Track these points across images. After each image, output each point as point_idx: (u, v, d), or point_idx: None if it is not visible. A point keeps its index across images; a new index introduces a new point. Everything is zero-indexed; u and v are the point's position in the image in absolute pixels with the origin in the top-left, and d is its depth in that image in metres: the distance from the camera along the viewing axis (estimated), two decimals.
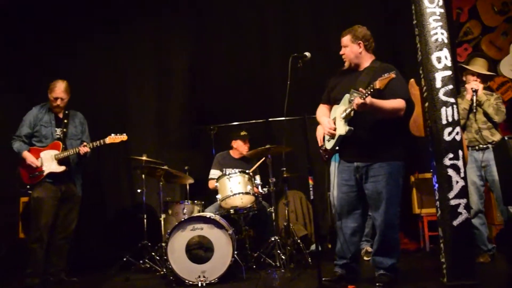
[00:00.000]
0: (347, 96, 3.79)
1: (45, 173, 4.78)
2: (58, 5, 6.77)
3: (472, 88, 4.71)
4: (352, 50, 3.91)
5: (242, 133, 5.96)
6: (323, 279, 3.72)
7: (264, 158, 5.50)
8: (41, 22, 6.76)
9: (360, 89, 3.57)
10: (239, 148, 5.97)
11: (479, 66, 4.96)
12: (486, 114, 4.73)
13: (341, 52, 3.97)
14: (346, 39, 3.93)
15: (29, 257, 4.75)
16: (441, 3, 3.72)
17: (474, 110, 4.69)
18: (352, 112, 3.65)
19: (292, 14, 6.98)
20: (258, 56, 7.07)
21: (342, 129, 3.76)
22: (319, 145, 4.17)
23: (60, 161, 4.83)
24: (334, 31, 6.58)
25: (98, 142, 4.91)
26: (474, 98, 4.68)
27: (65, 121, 5.02)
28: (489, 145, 4.71)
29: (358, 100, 3.52)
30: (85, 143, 4.92)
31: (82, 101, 6.55)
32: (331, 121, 3.90)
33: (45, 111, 4.98)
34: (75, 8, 6.84)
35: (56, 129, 4.96)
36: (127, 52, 7.02)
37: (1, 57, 6.23)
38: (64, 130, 4.99)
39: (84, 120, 5.22)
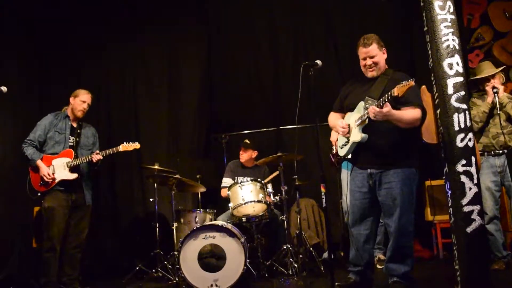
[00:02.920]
0: (361, 103, 3.79)
1: (56, 181, 4.80)
2: (74, 15, 6.88)
3: (492, 88, 4.57)
4: (382, 58, 3.88)
5: (244, 141, 5.99)
6: (336, 283, 3.71)
7: (277, 172, 5.48)
8: (57, 33, 6.86)
9: (383, 98, 3.56)
10: (240, 156, 6.02)
11: (486, 70, 4.80)
12: (508, 118, 4.63)
13: (370, 62, 3.86)
14: (374, 48, 3.84)
15: (43, 266, 4.77)
16: (452, 9, 3.70)
17: (499, 112, 4.56)
18: (367, 120, 3.65)
19: (303, 22, 7.01)
20: (270, 64, 7.10)
21: (357, 136, 3.76)
22: (334, 151, 4.17)
23: (72, 169, 4.86)
24: (345, 39, 6.63)
25: (111, 150, 4.94)
26: (496, 99, 4.55)
27: (79, 130, 5.07)
28: (505, 150, 4.64)
29: (374, 109, 3.51)
30: (97, 151, 4.95)
31: (95, 110, 6.66)
32: (344, 121, 3.91)
33: (61, 118, 5.03)
34: (91, 18, 6.94)
35: (70, 136, 5.00)
36: (140, 62, 7.08)
37: (22, 67, 6.32)
38: (77, 139, 5.03)
39: (96, 133, 5.27)
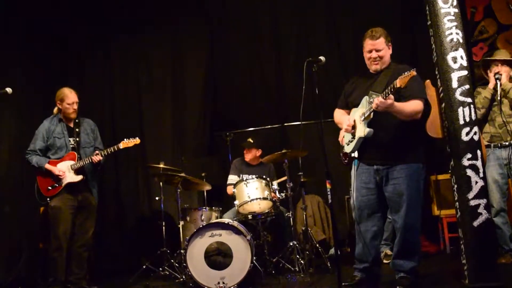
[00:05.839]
0: (365, 98, 3.76)
1: (63, 184, 4.80)
2: (78, 15, 6.90)
3: (495, 74, 4.53)
4: (387, 52, 3.85)
5: (247, 141, 5.98)
6: (343, 283, 3.70)
7: (285, 178, 5.47)
8: (59, 33, 6.86)
9: (386, 90, 3.52)
10: (245, 156, 6.02)
11: (499, 56, 4.75)
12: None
13: (375, 55, 3.82)
14: (381, 42, 3.80)
15: (50, 266, 4.79)
16: (455, 3, 3.69)
17: (499, 98, 4.49)
18: (372, 114, 3.63)
19: (306, 19, 6.97)
20: (273, 61, 7.07)
21: (361, 131, 3.74)
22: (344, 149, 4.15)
23: (77, 171, 4.85)
24: (348, 35, 6.61)
25: (112, 148, 4.91)
26: (498, 86, 4.50)
27: (77, 130, 5.02)
28: None
29: (378, 100, 3.48)
30: (97, 152, 4.92)
31: (99, 110, 6.69)
32: (350, 118, 3.89)
33: (56, 122, 4.98)
34: (93, 18, 6.96)
35: (70, 139, 4.97)
36: (142, 62, 7.10)
37: (26, 67, 6.34)
38: (77, 139, 4.99)
39: (95, 126, 5.22)
